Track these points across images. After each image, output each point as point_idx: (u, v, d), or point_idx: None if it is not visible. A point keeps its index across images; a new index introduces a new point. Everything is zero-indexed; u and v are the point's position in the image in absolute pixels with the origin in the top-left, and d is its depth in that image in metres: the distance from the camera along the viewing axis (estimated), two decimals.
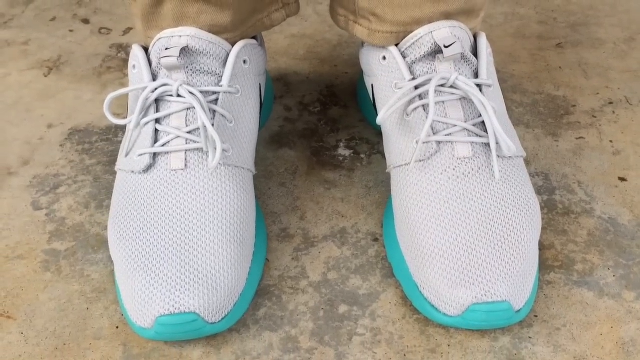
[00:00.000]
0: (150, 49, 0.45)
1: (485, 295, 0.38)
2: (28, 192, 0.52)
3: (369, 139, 0.56)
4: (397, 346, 0.40)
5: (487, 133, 0.43)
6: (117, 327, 0.42)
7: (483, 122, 0.43)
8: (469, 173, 0.42)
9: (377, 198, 0.50)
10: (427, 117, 0.43)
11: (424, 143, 0.42)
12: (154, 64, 0.44)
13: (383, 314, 0.42)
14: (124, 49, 0.68)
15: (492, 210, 0.41)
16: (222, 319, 0.39)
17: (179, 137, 0.43)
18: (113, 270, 0.45)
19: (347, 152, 0.55)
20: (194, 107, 0.43)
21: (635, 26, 0.69)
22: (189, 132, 0.43)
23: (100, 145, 0.56)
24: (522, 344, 0.40)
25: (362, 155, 0.54)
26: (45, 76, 0.65)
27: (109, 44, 0.69)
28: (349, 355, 0.40)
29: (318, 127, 0.58)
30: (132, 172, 0.44)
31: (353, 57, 0.66)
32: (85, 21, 0.73)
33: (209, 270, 0.39)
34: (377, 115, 0.49)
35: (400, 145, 0.44)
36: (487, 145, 0.43)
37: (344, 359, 0.40)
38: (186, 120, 0.43)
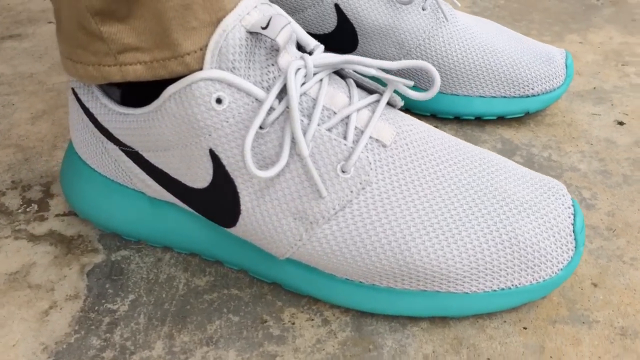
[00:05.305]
0: (213, 56, 0.30)
1: None
2: None
3: None
4: None
5: None
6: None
7: None
8: None
9: None
10: None
11: None
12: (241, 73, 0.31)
13: None
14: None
15: None
16: None
17: (359, 110, 0.33)
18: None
19: None
20: (337, 72, 0.34)
21: None
22: (360, 99, 0.33)
23: (108, 323, 0.34)
24: None
25: None
26: None
27: None
28: None
29: None
30: (359, 191, 0.32)
31: None
32: None
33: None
34: None
35: (412, 21, 0.48)
36: None
37: None
38: (345, 91, 0.33)
